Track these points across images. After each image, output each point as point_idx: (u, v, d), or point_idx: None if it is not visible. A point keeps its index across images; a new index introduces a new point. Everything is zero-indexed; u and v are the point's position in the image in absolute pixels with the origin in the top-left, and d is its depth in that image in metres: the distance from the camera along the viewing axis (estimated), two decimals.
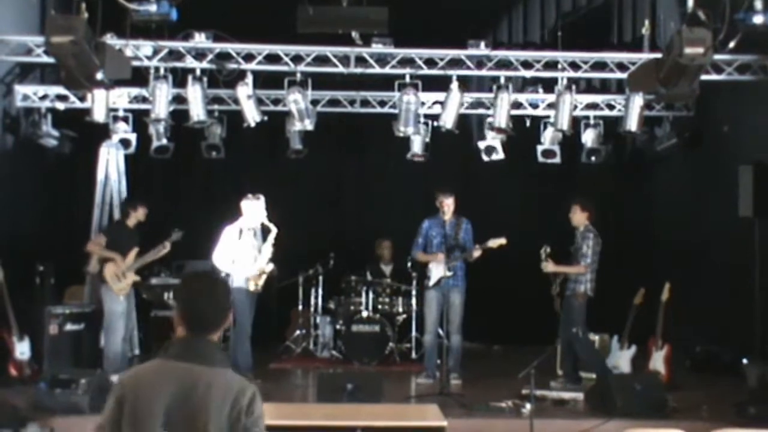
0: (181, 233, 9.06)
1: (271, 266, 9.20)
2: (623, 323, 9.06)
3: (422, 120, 10.96)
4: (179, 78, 10.03)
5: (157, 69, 9.82)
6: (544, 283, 11.32)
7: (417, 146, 11.31)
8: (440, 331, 9.17)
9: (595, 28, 11.64)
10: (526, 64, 10.05)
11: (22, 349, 8.76)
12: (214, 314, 3.23)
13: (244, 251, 9.04)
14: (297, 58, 9.78)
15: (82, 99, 10.53)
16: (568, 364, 9.04)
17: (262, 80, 10.21)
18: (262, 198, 9.15)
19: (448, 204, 9.09)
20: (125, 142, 10.85)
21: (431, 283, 9.14)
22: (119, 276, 8.91)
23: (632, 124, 10.25)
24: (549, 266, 8.83)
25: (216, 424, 3.05)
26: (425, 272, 9.34)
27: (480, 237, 9.09)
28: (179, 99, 10.31)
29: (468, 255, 9.01)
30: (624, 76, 9.54)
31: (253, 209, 9.10)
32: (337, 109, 11.19)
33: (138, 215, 9.14)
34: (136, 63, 9.20)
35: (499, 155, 11.13)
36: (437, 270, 9.04)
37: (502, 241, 8.88)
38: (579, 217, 8.93)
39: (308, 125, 10.45)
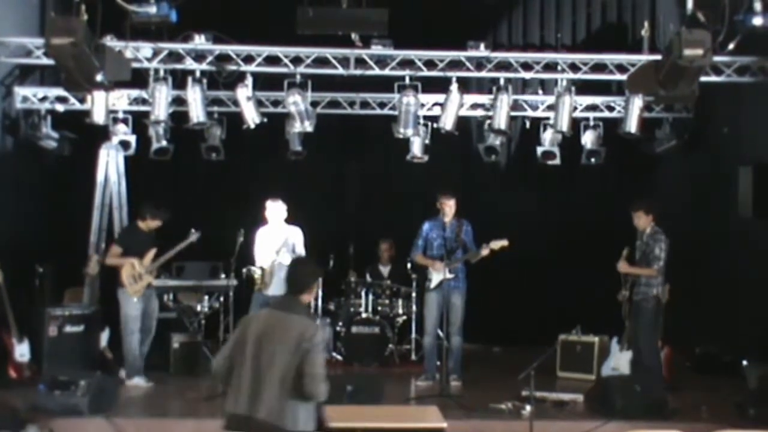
0: (198, 234, 9.06)
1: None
2: (623, 325, 9.03)
3: (422, 121, 10.91)
4: (179, 80, 10.04)
5: (156, 71, 9.82)
6: (544, 284, 11.41)
7: (417, 148, 11.27)
8: (440, 333, 9.16)
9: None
10: (526, 66, 10.05)
11: (21, 351, 8.74)
12: (298, 282, 4.92)
13: (264, 253, 9.25)
14: (297, 60, 9.78)
15: (81, 101, 10.51)
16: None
17: (262, 82, 10.21)
18: (280, 201, 9.39)
19: (448, 205, 9.07)
20: (125, 144, 10.83)
21: (432, 285, 9.11)
22: (135, 277, 8.89)
23: (632, 126, 10.26)
24: (623, 266, 8.64)
25: (283, 344, 4.65)
26: (425, 274, 9.32)
27: (480, 239, 9.06)
28: (179, 101, 10.31)
29: (471, 257, 9.00)
30: (623, 77, 9.54)
31: (278, 211, 9.32)
32: (336, 110, 11.16)
33: (149, 224, 9.10)
34: (135, 65, 9.19)
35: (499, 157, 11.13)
36: (438, 273, 9.01)
37: (504, 242, 8.85)
38: (645, 221, 8.69)
39: (308, 127, 10.45)
